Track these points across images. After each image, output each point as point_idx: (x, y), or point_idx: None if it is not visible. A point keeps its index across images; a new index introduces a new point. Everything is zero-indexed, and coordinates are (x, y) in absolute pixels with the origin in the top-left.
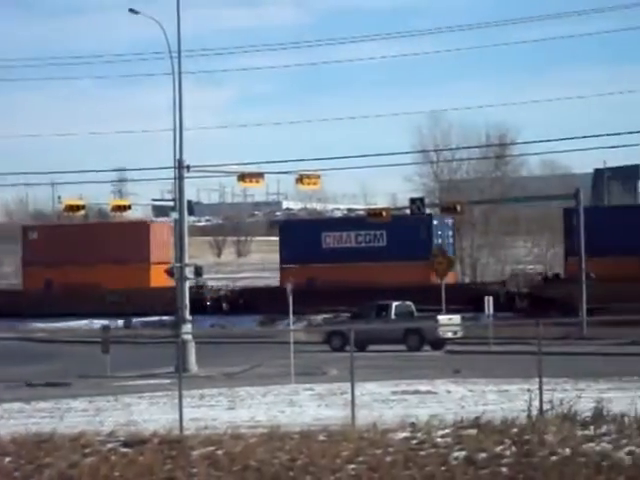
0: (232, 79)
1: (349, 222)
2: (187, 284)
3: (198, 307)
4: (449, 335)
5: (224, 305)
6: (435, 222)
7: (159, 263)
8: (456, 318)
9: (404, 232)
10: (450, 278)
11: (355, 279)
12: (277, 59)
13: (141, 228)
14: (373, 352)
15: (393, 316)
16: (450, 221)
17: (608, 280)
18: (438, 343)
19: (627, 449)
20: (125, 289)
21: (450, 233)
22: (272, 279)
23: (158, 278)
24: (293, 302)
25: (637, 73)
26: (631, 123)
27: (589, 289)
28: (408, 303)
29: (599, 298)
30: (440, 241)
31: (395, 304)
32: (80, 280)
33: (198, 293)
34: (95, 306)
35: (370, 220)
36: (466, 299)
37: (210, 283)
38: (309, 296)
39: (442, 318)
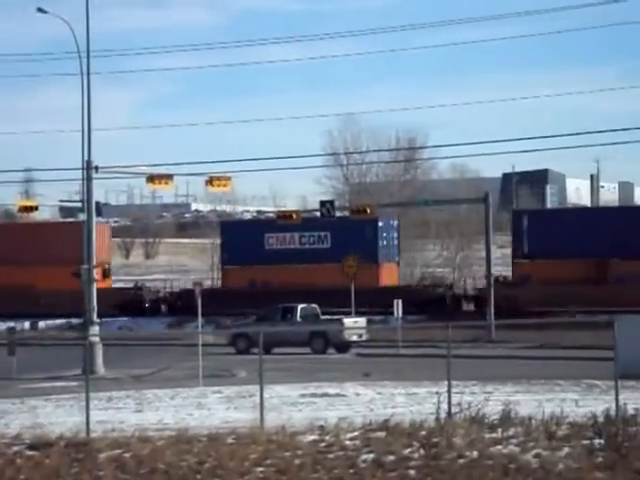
0: (145, 80)
1: (293, 224)
2: (94, 286)
3: (137, 309)
4: (354, 338)
5: (162, 307)
6: (380, 224)
7: (97, 265)
8: (362, 321)
9: (349, 234)
10: (392, 280)
11: (298, 281)
12: (189, 60)
13: (79, 228)
14: (281, 355)
15: (298, 319)
16: (395, 222)
17: (550, 283)
18: (343, 346)
19: (534, 452)
20: (59, 290)
21: (395, 235)
22: (184, 281)
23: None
24: (237, 304)
25: (545, 78)
26: (540, 128)
27: (531, 292)
28: (314, 305)
29: (541, 301)
30: (385, 243)
31: (301, 306)
32: (15, 281)
33: (136, 295)
34: (29, 307)
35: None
36: (410, 302)
37: (149, 284)
38: (251, 298)
39: (347, 321)
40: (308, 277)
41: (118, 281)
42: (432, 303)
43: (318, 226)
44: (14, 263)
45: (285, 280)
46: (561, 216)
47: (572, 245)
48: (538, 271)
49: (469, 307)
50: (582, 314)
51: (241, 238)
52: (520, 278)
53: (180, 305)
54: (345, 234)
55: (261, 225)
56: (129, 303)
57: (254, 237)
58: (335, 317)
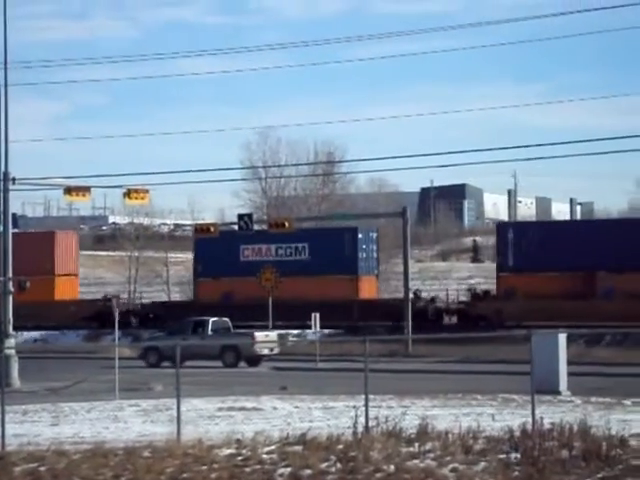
0: (66, 92)
1: (269, 235)
2: (10, 298)
3: (107, 321)
4: (265, 352)
5: (132, 319)
6: (360, 235)
7: (65, 275)
8: (273, 335)
9: (328, 245)
10: (371, 293)
11: (274, 293)
12: (110, 72)
13: (46, 238)
14: (196, 368)
15: (210, 332)
16: (374, 235)
17: (536, 297)
18: (254, 359)
19: (451, 466)
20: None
21: (374, 247)
22: (97, 294)
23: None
24: (209, 315)
25: (467, 92)
26: (464, 142)
27: (515, 305)
28: (225, 319)
29: (524, 315)
30: (365, 255)
31: (212, 320)
32: None
33: (106, 306)
34: None
35: (279, 231)
36: (386, 315)
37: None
38: (225, 310)
39: (258, 335)
40: (286, 289)
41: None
42: (414, 317)
43: (295, 238)
44: None
45: (260, 293)
46: (546, 228)
47: (558, 258)
48: (524, 284)
49: (451, 321)
50: (566, 328)
51: (214, 250)
52: (505, 291)
53: (151, 317)
54: (324, 246)
55: (236, 237)
56: (98, 315)
57: (228, 249)
58: (245, 331)
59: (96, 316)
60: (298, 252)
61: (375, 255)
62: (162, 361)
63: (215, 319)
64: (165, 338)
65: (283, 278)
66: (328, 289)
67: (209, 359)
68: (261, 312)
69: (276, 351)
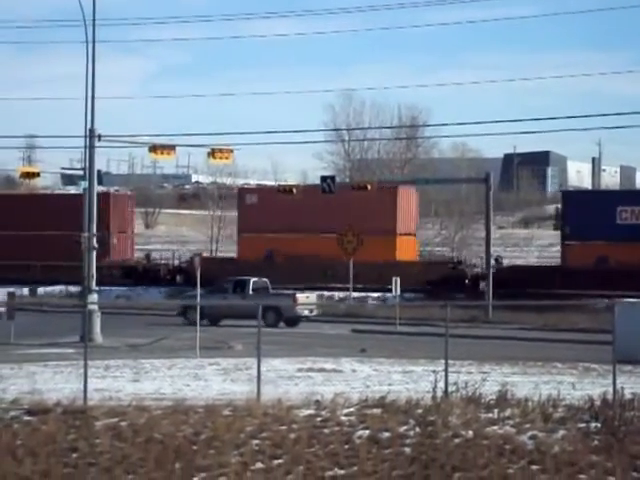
0: (153, 51)
1: None
2: (94, 254)
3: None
4: (305, 313)
5: (178, 277)
6: None
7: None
8: (312, 297)
9: None
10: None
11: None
12: (193, 31)
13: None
14: (280, 329)
15: (250, 292)
16: None
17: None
18: (294, 320)
19: (530, 433)
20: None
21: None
22: (180, 252)
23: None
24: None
25: (549, 59)
26: (544, 109)
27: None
28: (264, 279)
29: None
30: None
31: (253, 280)
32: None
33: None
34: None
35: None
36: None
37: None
38: (597, 277)
39: (300, 296)
40: None
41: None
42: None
43: None
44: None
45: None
46: (607, 197)
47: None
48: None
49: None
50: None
51: (587, 210)
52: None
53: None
54: None
55: (613, 197)
56: (144, 272)
57: (603, 210)
58: (286, 292)
59: (140, 273)
60: None
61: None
62: (201, 319)
63: (256, 279)
64: (205, 297)
65: None
66: None
67: (249, 318)
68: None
69: (315, 313)
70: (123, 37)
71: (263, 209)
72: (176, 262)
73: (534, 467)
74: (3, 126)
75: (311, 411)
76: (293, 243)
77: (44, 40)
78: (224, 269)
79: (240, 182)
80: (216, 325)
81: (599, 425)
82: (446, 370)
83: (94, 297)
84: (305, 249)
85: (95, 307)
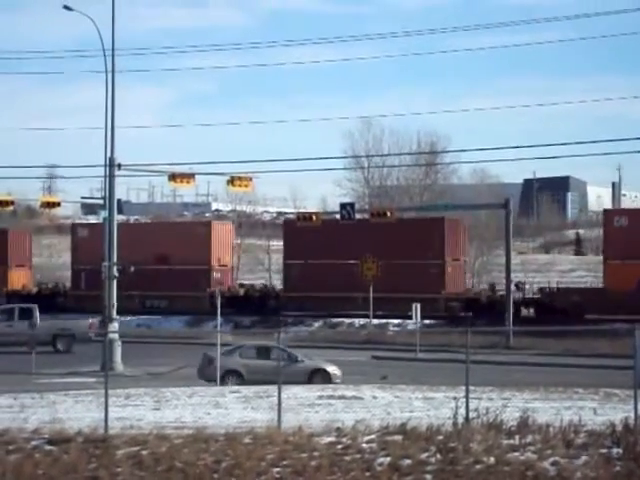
0: (172, 79)
1: None
2: (115, 282)
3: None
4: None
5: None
6: None
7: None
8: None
9: None
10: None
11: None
12: (216, 60)
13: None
14: None
15: None
16: None
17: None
18: None
19: (552, 459)
20: None
21: None
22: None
23: None
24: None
25: (569, 85)
26: (561, 134)
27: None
28: None
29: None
30: None
31: None
32: None
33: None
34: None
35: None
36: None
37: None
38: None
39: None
40: None
41: None
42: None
43: None
44: None
45: None
46: None
47: None
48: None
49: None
50: None
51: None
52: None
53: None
54: None
55: None
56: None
57: None
58: None
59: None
60: None
61: None
62: None
63: None
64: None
65: None
66: None
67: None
68: None
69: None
70: (147, 66)
71: None
72: None
73: None
74: (24, 156)
75: (332, 438)
76: None
77: (67, 70)
78: None
79: (260, 210)
80: None
81: (621, 451)
82: (467, 396)
83: (115, 326)
84: None
85: (116, 336)
